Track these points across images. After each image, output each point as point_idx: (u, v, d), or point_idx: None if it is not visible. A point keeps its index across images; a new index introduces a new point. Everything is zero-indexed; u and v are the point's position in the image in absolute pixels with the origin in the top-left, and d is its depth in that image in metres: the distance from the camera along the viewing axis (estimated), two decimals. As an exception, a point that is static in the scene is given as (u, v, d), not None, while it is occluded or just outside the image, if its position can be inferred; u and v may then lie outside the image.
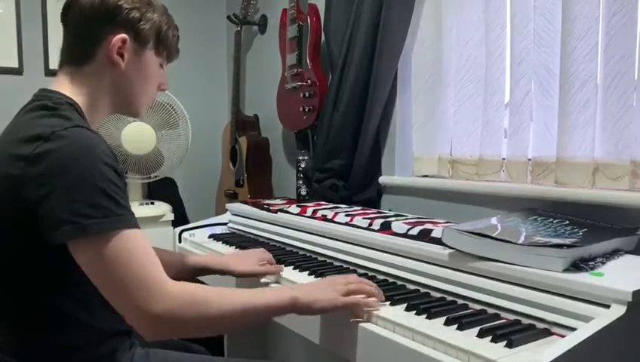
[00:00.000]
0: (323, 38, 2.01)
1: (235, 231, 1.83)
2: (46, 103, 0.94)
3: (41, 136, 0.86)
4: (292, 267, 1.29)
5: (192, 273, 1.28)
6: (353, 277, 1.02)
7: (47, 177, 0.84)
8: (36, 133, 0.87)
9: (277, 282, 1.23)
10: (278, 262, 1.31)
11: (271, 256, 1.31)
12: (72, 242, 0.84)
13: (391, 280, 1.15)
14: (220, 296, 0.90)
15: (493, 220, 1.13)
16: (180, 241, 1.77)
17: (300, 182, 2.08)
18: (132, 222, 0.87)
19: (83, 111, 0.99)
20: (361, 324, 0.94)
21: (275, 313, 0.96)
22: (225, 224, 1.88)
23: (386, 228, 1.27)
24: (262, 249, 1.34)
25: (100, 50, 1.00)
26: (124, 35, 1.00)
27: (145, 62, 1.05)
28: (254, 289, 0.99)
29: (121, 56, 1.01)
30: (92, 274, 0.86)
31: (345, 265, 1.29)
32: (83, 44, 1.01)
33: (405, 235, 1.19)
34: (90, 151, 0.87)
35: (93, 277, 0.86)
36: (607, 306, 0.80)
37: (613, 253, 1.01)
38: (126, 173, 2.28)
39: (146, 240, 0.88)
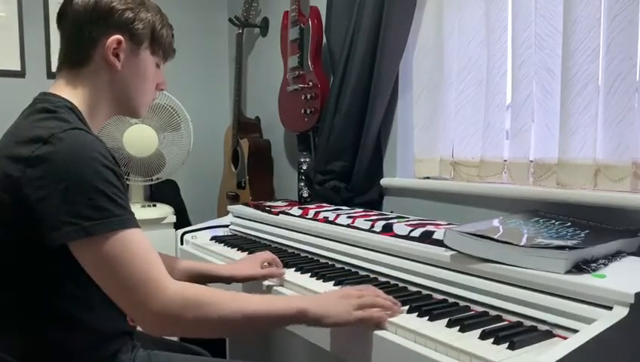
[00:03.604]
0: (324, 40, 2.01)
1: (236, 233, 1.83)
2: (46, 106, 0.94)
3: (40, 138, 0.87)
4: (294, 269, 1.29)
5: (198, 281, 1.28)
6: (369, 289, 1.00)
7: (47, 179, 0.84)
8: (35, 135, 0.88)
9: (281, 285, 1.22)
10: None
11: (275, 257, 1.30)
12: (73, 243, 0.85)
13: (393, 282, 1.16)
14: (221, 300, 0.89)
15: (495, 222, 1.13)
16: (181, 243, 1.77)
17: (302, 184, 2.08)
18: (132, 222, 0.88)
19: (82, 114, 0.99)
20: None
21: (280, 322, 0.95)
22: (227, 226, 1.88)
23: (387, 230, 1.27)
24: (266, 251, 1.33)
25: (96, 52, 1.01)
26: (118, 36, 1.01)
27: (141, 62, 1.05)
28: (262, 296, 0.98)
29: (117, 57, 1.02)
30: (94, 274, 0.87)
31: (347, 267, 1.29)
32: (79, 47, 1.01)
33: (407, 237, 1.19)
34: (89, 153, 0.87)
35: (96, 277, 0.87)
36: (610, 308, 0.80)
37: (616, 255, 1.01)
38: (128, 175, 2.28)
39: (146, 240, 0.89)
